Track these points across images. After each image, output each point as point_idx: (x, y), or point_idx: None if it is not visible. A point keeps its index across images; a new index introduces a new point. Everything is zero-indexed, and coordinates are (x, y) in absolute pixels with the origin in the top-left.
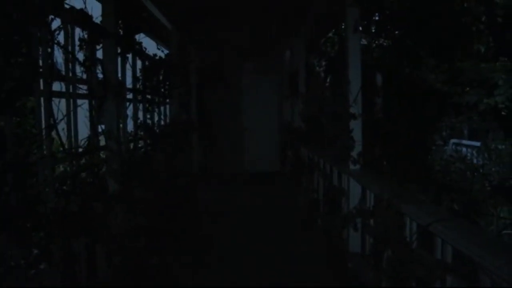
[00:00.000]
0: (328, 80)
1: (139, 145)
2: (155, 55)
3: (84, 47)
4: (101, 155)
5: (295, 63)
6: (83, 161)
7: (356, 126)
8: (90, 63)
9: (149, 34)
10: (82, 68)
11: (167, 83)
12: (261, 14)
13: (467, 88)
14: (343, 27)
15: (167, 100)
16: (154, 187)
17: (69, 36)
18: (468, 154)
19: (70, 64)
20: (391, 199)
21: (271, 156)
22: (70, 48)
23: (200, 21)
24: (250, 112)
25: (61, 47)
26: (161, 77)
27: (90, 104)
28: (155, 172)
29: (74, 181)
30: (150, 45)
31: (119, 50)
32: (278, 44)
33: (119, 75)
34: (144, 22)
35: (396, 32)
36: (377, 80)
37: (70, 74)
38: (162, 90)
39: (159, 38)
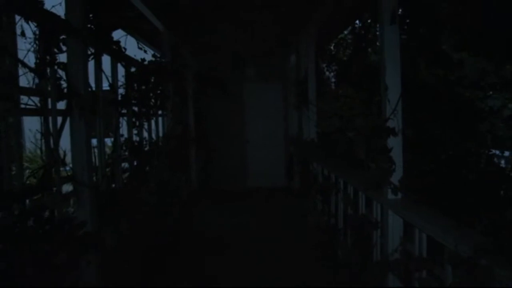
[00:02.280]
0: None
1: (124, 167)
2: (143, 59)
3: (36, 45)
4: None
5: (302, 69)
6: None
7: (396, 145)
8: (43, 67)
9: (138, 36)
10: (34, 75)
11: (159, 92)
12: (263, 13)
13: (490, 92)
14: (358, 25)
15: (160, 112)
16: (137, 225)
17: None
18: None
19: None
20: (476, 257)
21: (276, 170)
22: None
23: (196, 22)
24: (253, 123)
25: None
26: (151, 86)
27: (45, 122)
28: (140, 202)
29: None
30: (140, 51)
31: (91, 52)
32: (282, 47)
33: (93, 84)
34: (127, 21)
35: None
36: None
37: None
38: (153, 100)
39: (150, 41)
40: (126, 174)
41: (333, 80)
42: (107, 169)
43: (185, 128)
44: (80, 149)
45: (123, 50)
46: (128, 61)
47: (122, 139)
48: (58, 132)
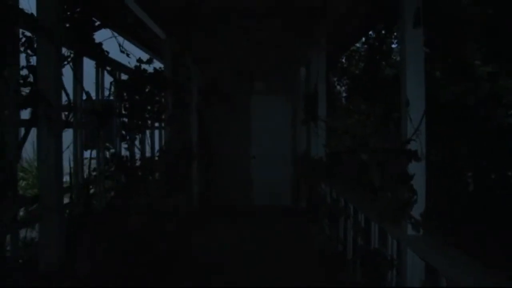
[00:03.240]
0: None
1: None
2: (137, 67)
3: None
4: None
5: (312, 82)
6: None
7: (418, 171)
8: None
9: (138, 43)
10: None
11: (157, 104)
12: (270, 20)
13: None
14: (372, 36)
15: (157, 124)
16: (117, 254)
17: None
18: None
19: None
20: None
21: (282, 189)
22: None
23: (200, 30)
24: (259, 138)
25: None
26: (145, 95)
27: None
28: (124, 226)
29: None
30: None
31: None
32: (291, 58)
33: (71, 91)
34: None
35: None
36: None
37: None
38: (148, 112)
39: (151, 49)
40: (112, 193)
41: (344, 94)
42: (88, 188)
43: (187, 143)
44: (47, 165)
45: (106, 53)
46: (116, 67)
47: (108, 154)
48: (19, 145)
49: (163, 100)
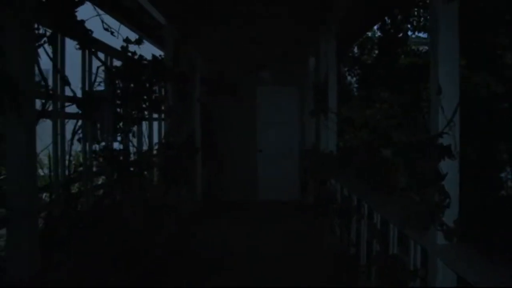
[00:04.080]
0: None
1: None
2: (133, 53)
3: None
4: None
5: (322, 72)
6: None
7: (451, 170)
8: None
9: (138, 30)
10: None
11: (155, 94)
12: (277, 4)
13: None
14: (387, 22)
15: (156, 116)
16: (102, 262)
17: None
18: None
19: None
20: None
21: (289, 183)
22: None
23: (203, 16)
24: (265, 131)
25: None
26: (142, 84)
27: None
28: (112, 228)
29: None
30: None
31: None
32: (300, 47)
33: (50, 75)
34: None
35: None
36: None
37: None
38: (147, 102)
39: (151, 36)
40: (102, 191)
41: (355, 85)
42: (69, 186)
43: (190, 136)
44: (17, 161)
45: (90, 32)
46: (108, 51)
47: (96, 147)
48: None
49: (163, 90)
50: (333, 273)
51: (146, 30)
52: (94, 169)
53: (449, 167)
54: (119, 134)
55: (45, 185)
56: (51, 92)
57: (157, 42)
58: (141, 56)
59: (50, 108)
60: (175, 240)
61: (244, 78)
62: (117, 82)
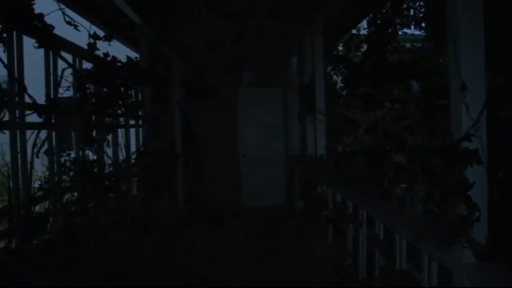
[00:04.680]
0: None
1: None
2: (106, 54)
3: None
4: None
5: (307, 71)
6: None
7: (479, 178)
8: None
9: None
10: None
11: (131, 99)
12: (263, 6)
13: None
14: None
15: (133, 122)
16: None
17: None
18: None
19: None
20: None
21: (274, 188)
22: None
23: (181, 15)
24: (248, 135)
25: None
26: (122, 89)
27: None
28: (87, 249)
29: None
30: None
31: None
32: (283, 46)
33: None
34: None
35: None
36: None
37: None
38: (122, 108)
39: (126, 39)
40: (72, 209)
41: (340, 84)
42: (31, 208)
43: (170, 142)
44: None
45: (50, 28)
46: (76, 52)
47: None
48: None
49: (139, 94)
50: (329, 285)
51: (119, 31)
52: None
53: (476, 174)
54: (92, 144)
55: (3, 206)
56: (6, 99)
57: (132, 43)
58: (114, 58)
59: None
60: (155, 258)
61: (225, 80)
62: (87, 86)
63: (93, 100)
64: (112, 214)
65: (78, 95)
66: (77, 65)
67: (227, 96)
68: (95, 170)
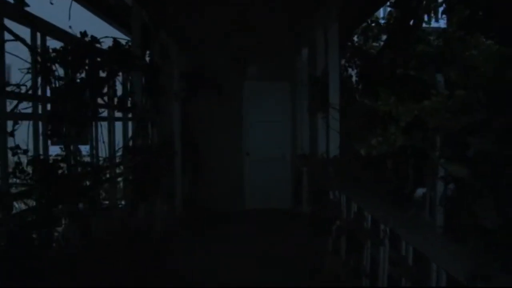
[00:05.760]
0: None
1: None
2: (83, 33)
3: None
4: None
5: (319, 64)
6: None
7: None
8: None
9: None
10: None
11: (113, 87)
12: None
13: None
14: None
15: (121, 114)
16: None
17: None
18: None
19: None
20: None
21: (280, 189)
22: None
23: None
24: (253, 132)
25: None
26: (105, 75)
27: None
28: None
29: None
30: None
31: None
32: (292, 38)
33: None
34: None
35: None
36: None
37: None
38: (104, 97)
39: (119, 23)
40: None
41: (355, 78)
42: None
43: (167, 138)
44: None
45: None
46: (36, 25)
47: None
48: None
49: (129, 84)
50: None
51: (111, 14)
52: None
53: None
54: (59, 139)
55: None
56: None
57: (125, 28)
58: (94, 38)
59: None
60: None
61: (229, 73)
62: (54, 70)
63: (62, 87)
64: (85, 226)
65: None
66: (39, 42)
67: (231, 90)
68: (63, 170)
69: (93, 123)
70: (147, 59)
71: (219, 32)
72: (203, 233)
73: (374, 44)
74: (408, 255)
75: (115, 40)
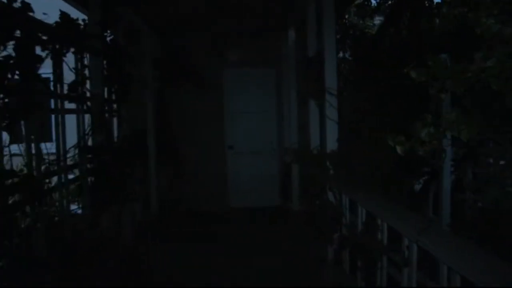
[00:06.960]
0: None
1: None
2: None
3: None
4: None
5: (310, 45)
6: None
7: None
8: None
9: None
10: None
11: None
12: None
13: None
14: None
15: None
16: None
17: None
18: None
19: None
20: None
21: (267, 185)
22: None
23: None
24: (236, 123)
25: None
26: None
27: None
28: None
29: None
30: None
31: None
32: (278, 19)
33: None
34: None
35: None
36: None
37: None
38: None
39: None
40: None
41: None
42: None
43: (138, 134)
44: None
45: None
46: None
47: None
48: None
49: (86, 69)
50: None
51: None
52: None
53: None
54: None
55: None
56: None
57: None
58: (26, 4)
59: None
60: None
61: (208, 59)
62: None
63: None
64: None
65: None
66: None
67: (210, 79)
68: None
69: (28, 116)
70: (109, 40)
71: (196, 12)
72: (180, 239)
73: (369, 23)
74: (443, 278)
75: (62, 13)
